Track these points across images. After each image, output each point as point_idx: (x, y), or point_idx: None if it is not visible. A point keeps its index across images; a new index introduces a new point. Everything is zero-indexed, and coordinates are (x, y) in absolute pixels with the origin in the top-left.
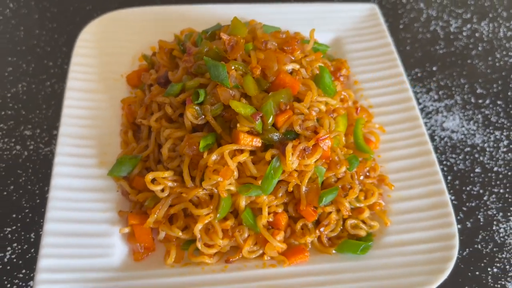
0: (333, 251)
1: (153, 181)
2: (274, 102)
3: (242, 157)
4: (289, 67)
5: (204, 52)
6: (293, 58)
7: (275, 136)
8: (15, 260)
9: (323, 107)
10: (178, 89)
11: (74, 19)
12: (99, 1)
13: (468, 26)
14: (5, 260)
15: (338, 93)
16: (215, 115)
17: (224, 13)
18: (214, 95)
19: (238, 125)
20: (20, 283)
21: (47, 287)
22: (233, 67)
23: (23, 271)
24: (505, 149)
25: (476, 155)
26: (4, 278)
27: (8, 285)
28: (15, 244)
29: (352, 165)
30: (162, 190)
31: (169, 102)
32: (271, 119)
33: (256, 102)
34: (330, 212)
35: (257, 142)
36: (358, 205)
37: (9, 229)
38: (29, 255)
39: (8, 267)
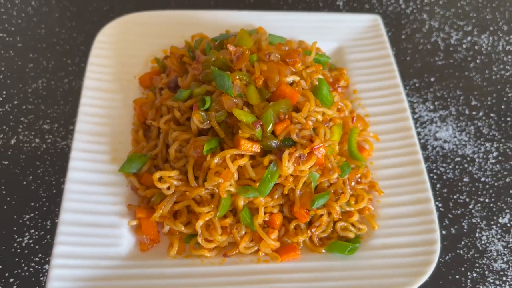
0: (323, 251)
1: (160, 179)
2: (274, 112)
3: (242, 161)
4: (290, 78)
5: (211, 61)
6: (294, 70)
7: (273, 143)
8: (32, 245)
9: (320, 117)
10: (186, 95)
11: (92, 18)
12: (116, 2)
13: (468, 38)
14: (23, 244)
15: (335, 103)
16: (219, 121)
17: (234, 19)
18: (219, 102)
19: (240, 131)
20: (36, 266)
21: (61, 271)
22: (237, 77)
23: (39, 255)
24: (493, 161)
25: (466, 165)
26: (22, 261)
27: (25, 268)
28: (32, 230)
29: (344, 172)
30: (168, 188)
31: (177, 106)
32: (270, 127)
33: (257, 111)
34: (322, 215)
35: (256, 148)
36: (348, 209)
37: (27, 216)
38: (45, 241)
39: (26, 251)
